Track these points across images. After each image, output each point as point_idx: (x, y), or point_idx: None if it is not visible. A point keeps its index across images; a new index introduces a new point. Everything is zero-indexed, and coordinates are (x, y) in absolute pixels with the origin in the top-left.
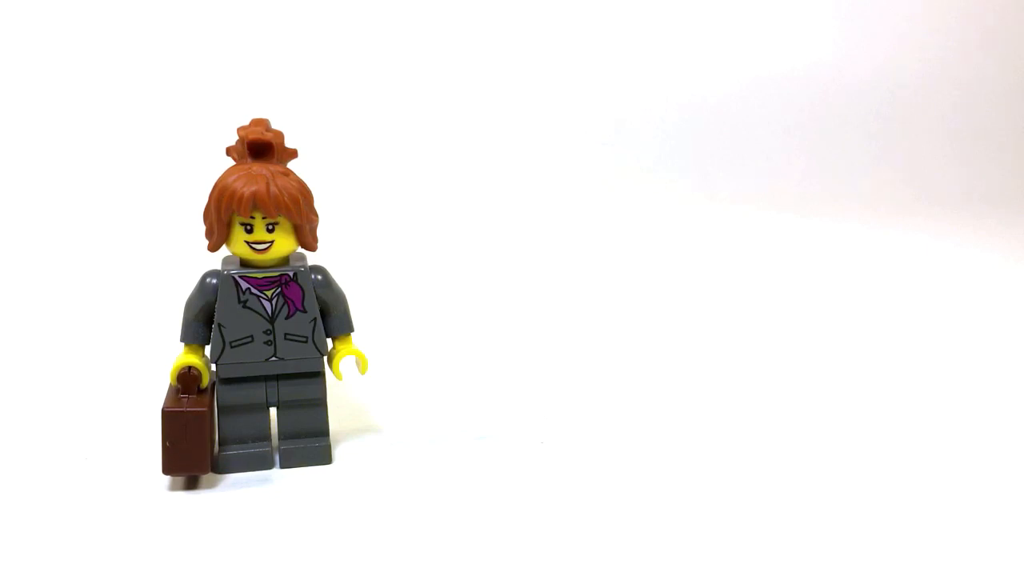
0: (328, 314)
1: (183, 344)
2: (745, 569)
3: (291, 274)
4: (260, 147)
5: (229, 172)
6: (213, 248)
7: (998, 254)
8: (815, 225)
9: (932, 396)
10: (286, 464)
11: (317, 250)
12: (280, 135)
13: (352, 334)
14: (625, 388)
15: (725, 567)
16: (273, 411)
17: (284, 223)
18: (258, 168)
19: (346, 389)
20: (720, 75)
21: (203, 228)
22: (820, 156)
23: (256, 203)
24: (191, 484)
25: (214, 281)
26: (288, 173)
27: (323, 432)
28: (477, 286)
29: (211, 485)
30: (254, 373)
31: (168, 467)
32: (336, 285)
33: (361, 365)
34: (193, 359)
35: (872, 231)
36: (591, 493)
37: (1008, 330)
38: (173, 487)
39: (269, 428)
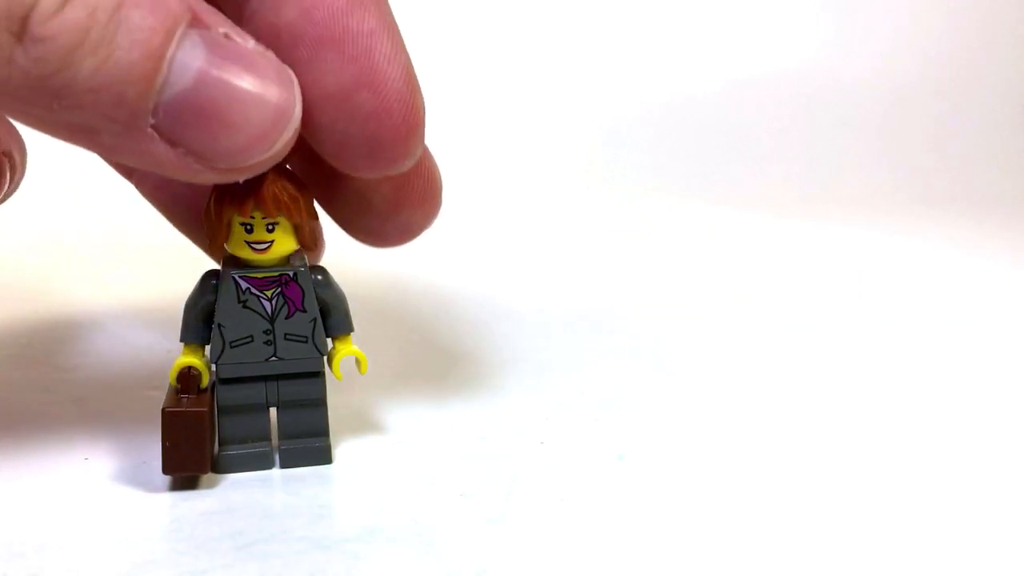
0: (328, 314)
1: (183, 344)
2: (746, 569)
3: (291, 274)
4: None
5: None
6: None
7: (997, 254)
8: (815, 226)
9: (933, 396)
10: (286, 464)
11: (316, 251)
12: None
13: (352, 334)
14: (625, 388)
15: (725, 567)
16: (273, 411)
17: (284, 223)
18: None
19: (346, 389)
20: (720, 75)
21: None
22: (819, 157)
23: (256, 203)
24: (191, 484)
25: (214, 281)
26: (288, 173)
27: (323, 432)
28: (477, 286)
29: (211, 485)
30: (254, 373)
31: (168, 467)
32: (336, 285)
33: (361, 365)
34: (193, 359)
35: (872, 232)
36: (591, 493)
37: (1008, 330)
38: (173, 487)
39: (269, 428)
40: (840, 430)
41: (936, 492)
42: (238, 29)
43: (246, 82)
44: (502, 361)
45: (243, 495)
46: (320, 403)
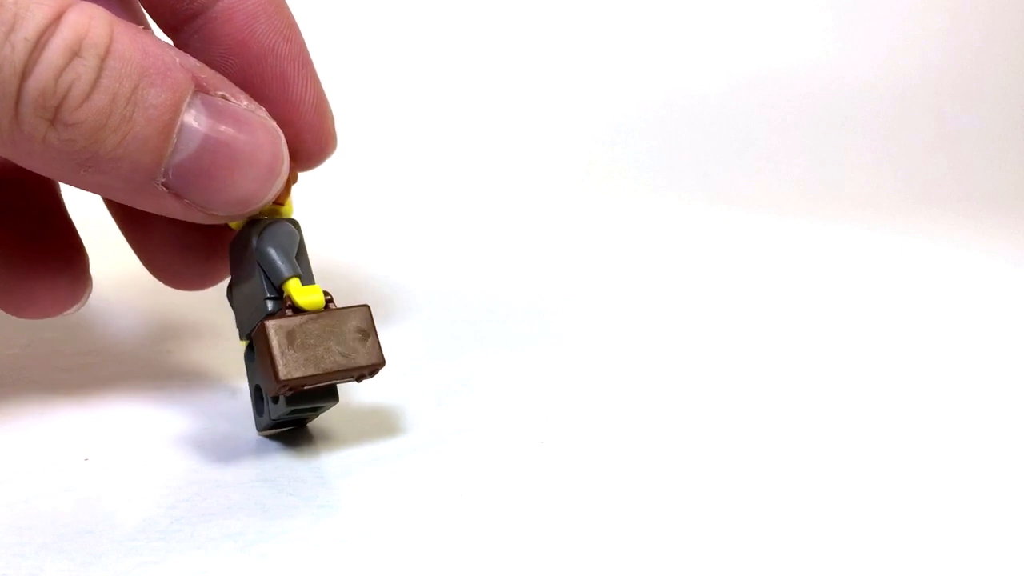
0: None
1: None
2: (744, 570)
3: None
4: None
5: None
6: None
7: (999, 254)
8: (816, 226)
9: (934, 397)
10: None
11: None
12: None
13: None
14: (625, 389)
15: (725, 568)
16: None
17: None
18: None
19: (347, 390)
20: (720, 75)
21: None
22: (821, 157)
23: None
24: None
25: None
26: None
27: None
28: (477, 286)
29: (211, 484)
30: None
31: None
32: None
33: None
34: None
35: (874, 232)
36: (591, 493)
37: (1010, 331)
38: (174, 484)
39: None
40: (842, 430)
41: (937, 493)
42: (233, 88)
43: (241, 143)
44: (501, 361)
45: (243, 495)
46: None
